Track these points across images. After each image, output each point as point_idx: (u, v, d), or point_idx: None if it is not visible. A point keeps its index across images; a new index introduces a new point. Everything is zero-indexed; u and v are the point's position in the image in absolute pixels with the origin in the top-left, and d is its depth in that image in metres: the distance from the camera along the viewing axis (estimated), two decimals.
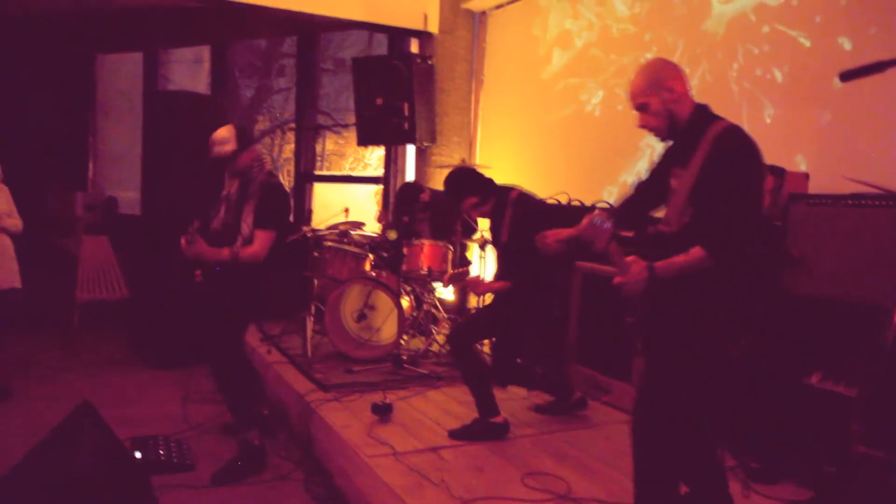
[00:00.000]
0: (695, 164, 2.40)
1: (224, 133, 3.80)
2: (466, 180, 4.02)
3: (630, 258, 2.39)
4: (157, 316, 5.95)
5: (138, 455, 3.81)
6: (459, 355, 3.89)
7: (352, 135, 12.85)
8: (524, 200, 3.98)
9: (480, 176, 4.05)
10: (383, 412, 3.95)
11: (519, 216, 3.89)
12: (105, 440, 3.17)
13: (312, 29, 8.14)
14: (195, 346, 5.59)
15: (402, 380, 4.74)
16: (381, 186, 7.70)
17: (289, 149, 13.32)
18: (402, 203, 6.11)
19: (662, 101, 2.47)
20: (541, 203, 4.04)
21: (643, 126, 2.56)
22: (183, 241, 3.73)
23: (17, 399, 4.87)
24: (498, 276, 4.04)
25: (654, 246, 2.45)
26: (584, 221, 2.49)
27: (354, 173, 11.76)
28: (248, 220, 3.83)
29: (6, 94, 9.25)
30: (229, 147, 3.77)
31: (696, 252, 2.34)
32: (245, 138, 3.84)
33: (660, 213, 2.59)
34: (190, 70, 10.03)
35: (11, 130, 9.17)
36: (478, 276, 4.13)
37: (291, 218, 7.63)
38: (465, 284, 4.15)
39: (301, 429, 4.20)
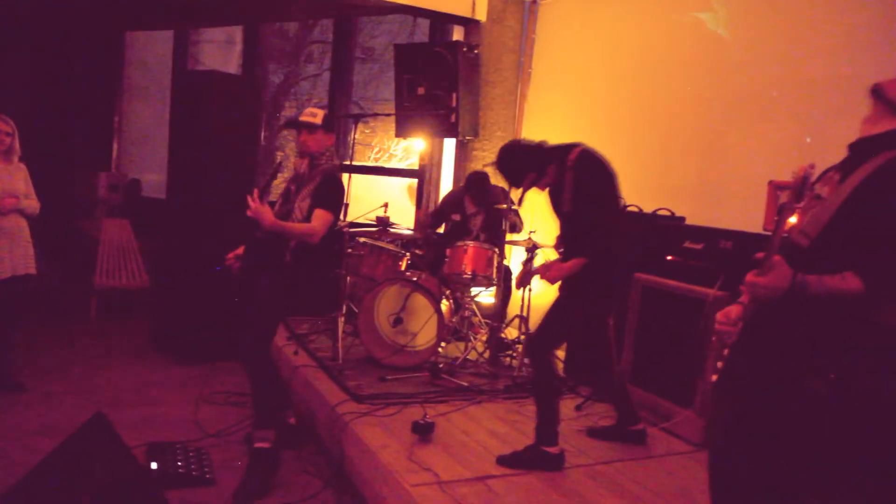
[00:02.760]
0: (856, 178, 2.01)
1: (317, 109, 3.88)
2: (518, 156, 3.54)
3: (777, 257, 2.02)
4: (178, 306, 5.62)
5: (154, 466, 3.49)
6: (537, 365, 3.49)
7: (378, 125, 12.49)
8: (585, 160, 3.42)
9: (530, 146, 3.56)
10: (424, 432, 3.57)
11: (579, 180, 3.38)
12: (118, 453, 2.84)
13: (351, 12, 7.77)
14: (219, 340, 5.29)
15: (441, 392, 4.38)
16: (416, 181, 7.33)
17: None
18: (452, 200, 5.77)
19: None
20: (604, 163, 3.47)
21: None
22: (249, 199, 3.52)
23: (30, 393, 4.56)
24: (565, 257, 3.53)
25: (782, 253, 2.07)
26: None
27: (379, 164, 11.41)
28: (303, 204, 3.72)
29: (31, 70, 8.98)
30: (316, 120, 3.79)
31: (851, 280, 1.93)
32: (330, 124, 3.87)
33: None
34: (221, 51, 9.67)
35: (36, 108, 8.91)
36: (546, 262, 3.52)
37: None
38: (536, 274, 3.59)
39: (332, 443, 3.85)
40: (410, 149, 11.27)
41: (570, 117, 6.18)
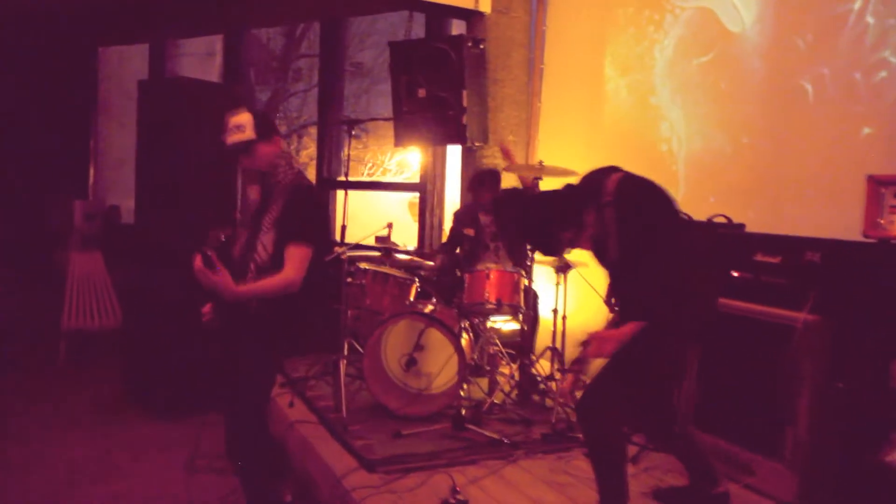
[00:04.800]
0: None
1: (238, 118, 2.86)
2: (542, 216, 2.76)
3: None
4: (153, 350, 4.84)
5: None
6: (591, 432, 2.73)
7: (370, 139, 11.82)
8: (625, 190, 2.68)
9: (550, 197, 2.83)
10: None
11: (623, 218, 2.64)
12: None
13: (339, 11, 7.06)
14: (201, 390, 4.51)
15: (467, 448, 3.63)
16: (417, 195, 6.63)
17: (305, 154, 12.53)
18: (463, 214, 5.08)
19: None
20: (652, 188, 2.72)
21: None
22: (198, 260, 2.64)
23: None
24: (621, 316, 2.76)
25: None
26: None
27: (374, 179, 10.73)
28: (266, 238, 2.86)
29: None
30: (246, 135, 2.85)
31: None
32: (265, 126, 2.91)
33: None
34: (201, 63, 8.98)
35: (6, 133, 8.22)
36: (597, 333, 2.67)
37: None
38: (588, 355, 2.73)
39: None
40: (405, 162, 10.59)
41: (592, 117, 5.47)
